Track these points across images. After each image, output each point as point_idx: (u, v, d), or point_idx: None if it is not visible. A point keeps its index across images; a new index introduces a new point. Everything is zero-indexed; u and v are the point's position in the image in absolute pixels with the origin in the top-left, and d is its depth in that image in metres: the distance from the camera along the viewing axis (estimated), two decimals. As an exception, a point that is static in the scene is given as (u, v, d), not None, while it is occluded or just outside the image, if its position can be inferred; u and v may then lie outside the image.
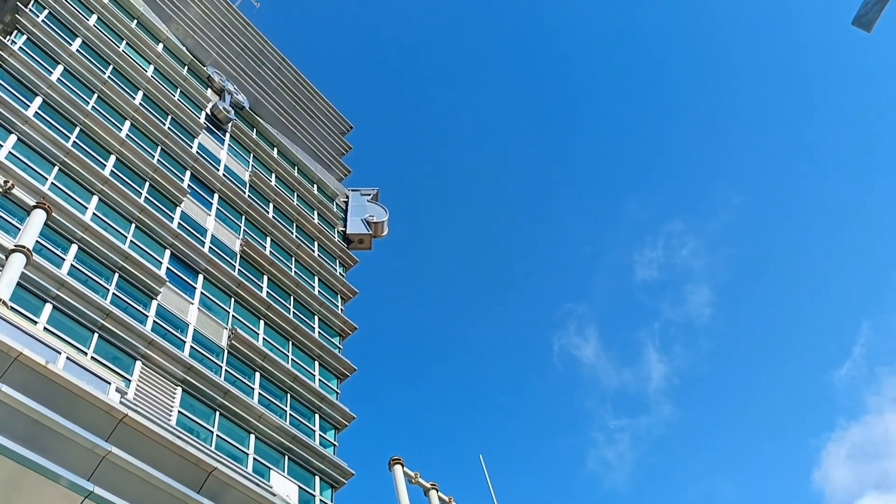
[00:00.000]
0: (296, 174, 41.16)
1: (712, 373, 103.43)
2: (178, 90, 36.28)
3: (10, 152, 24.50)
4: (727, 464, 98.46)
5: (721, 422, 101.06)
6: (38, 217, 18.85)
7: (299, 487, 26.14)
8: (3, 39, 27.54)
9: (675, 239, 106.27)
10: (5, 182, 19.51)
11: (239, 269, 31.39)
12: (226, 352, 27.66)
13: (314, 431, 29.08)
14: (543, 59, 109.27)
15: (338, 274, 38.08)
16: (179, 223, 29.87)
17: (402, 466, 24.66)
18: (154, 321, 25.37)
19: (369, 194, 44.92)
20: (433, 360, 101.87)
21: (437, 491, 25.48)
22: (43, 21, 29.86)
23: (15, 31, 28.54)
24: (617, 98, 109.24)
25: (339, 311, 36.02)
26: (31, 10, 29.72)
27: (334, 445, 29.70)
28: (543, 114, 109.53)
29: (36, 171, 25.08)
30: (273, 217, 36.23)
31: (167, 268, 27.67)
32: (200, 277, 29.15)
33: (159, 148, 31.95)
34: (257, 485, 16.42)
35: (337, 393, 32.02)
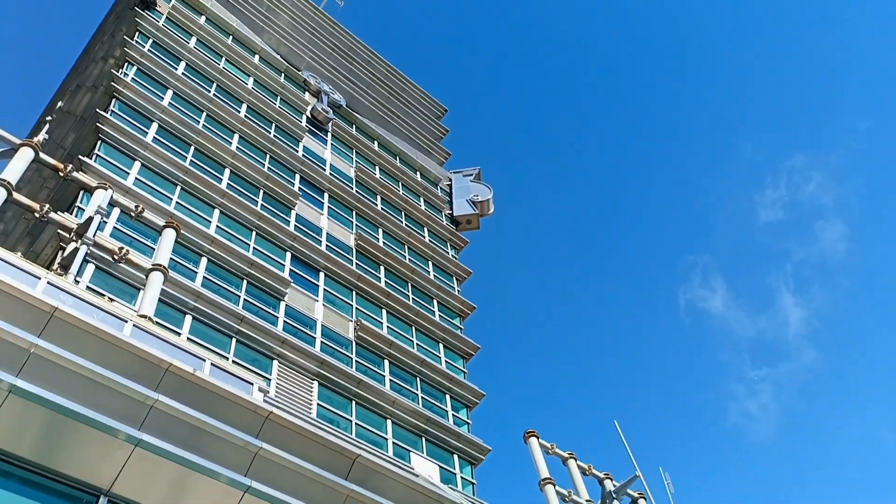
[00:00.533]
0: (398, 164, 41.84)
1: (855, 310, 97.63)
2: (278, 98, 37.58)
3: (136, 178, 26.20)
4: (887, 407, 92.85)
5: (874, 362, 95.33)
6: (169, 236, 20.11)
7: (439, 467, 26.84)
8: (116, 73, 29.39)
9: (797, 175, 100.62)
10: (136, 207, 20.89)
11: (356, 263, 32.35)
12: (354, 343, 28.66)
13: (447, 412, 29.72)
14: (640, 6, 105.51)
15: (450, 256, 38.53)
16: (296, 225, 31.08)
17: (538, 438, 24.83)
18: (284, 321, 26.61)
19: (471, 174, 45.07)
20: (555, 330, 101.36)
21: (576, 459, 25.51)
22: (149, 50, 31.62)
23: (126, 64, 30.37)
24: (720, 37, 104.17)
25: (456, 293, 36.49)
26: (136, 41, 31.52)
27: (468, 423, 30.25)
28: (645, 61, 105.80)
29: (161, 192, 26.72)
30: (382, 209, 37.04)
31: (290, 269, 28.89)
32: (321, 275, 30.26)
33: (268, 156, 33.26)
34: (400, 468, 16.99)
35: (464, 372, 32.53)
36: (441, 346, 32.70)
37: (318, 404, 24.95)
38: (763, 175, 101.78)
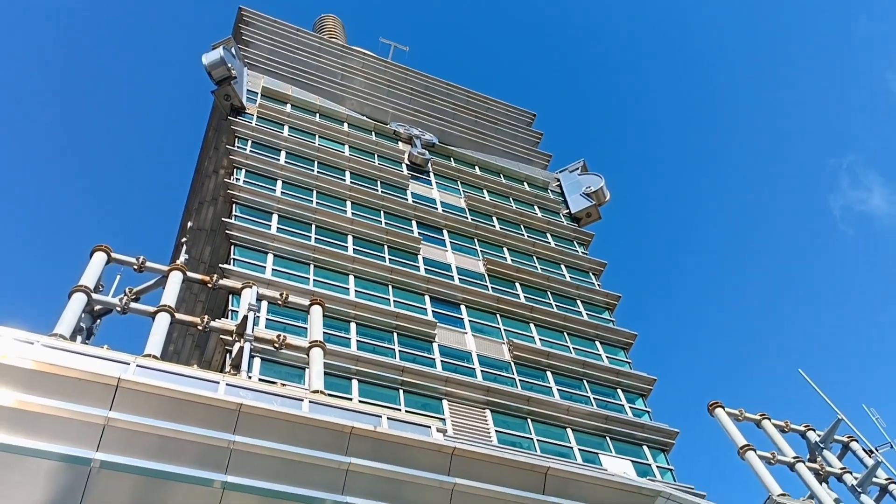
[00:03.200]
0: (503, 181, 42.19)
1: None
2: (375, 155, 39.01)
3: (273, 269, 27.95)
4: None
5: None
6: (317, 312, 21.32)
7: (632, 461, 26.48)
8: (229, 181, 31.62)
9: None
10: (281, 294, 22.33)
11: (491, 287, 32.78)
12: (512, 364, 28.97)
13: (623, 405, 29.34)
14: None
15: (580, 254, 38.27)
16: (425, 268, 31.99)
17: (724, 408, 24.08)
18: (442, 361, 27.36)
19: (577, 168, 44.72)
20: (705, 295, 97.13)
21: (770, 419, 24.49)
22: (251, 151, 33.82)
23: (234, 170, 32.62)
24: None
25: (597, 287, 36.14)
26: (238, 147, 33.81)
27: (647, 412, 29.71)
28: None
29: (297, 275, 28.33)
30: (501, 228, 37.42)
31: (432, 311, 29.72)
32: (462, 308, 30.91)
33: (381, 212, 34.52)
34: (592, 471, 17.03)
35: (628, 363, 32.04)
36: (597, 343, 32.42)
37: (496, 431, 25.36)
38: (890, 47, 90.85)
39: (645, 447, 27.67)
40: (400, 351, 26.89)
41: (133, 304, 19.29)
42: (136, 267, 20.44)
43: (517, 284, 33.85)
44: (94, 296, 18.68)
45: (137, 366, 14.80)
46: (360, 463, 12.45)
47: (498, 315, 31.40)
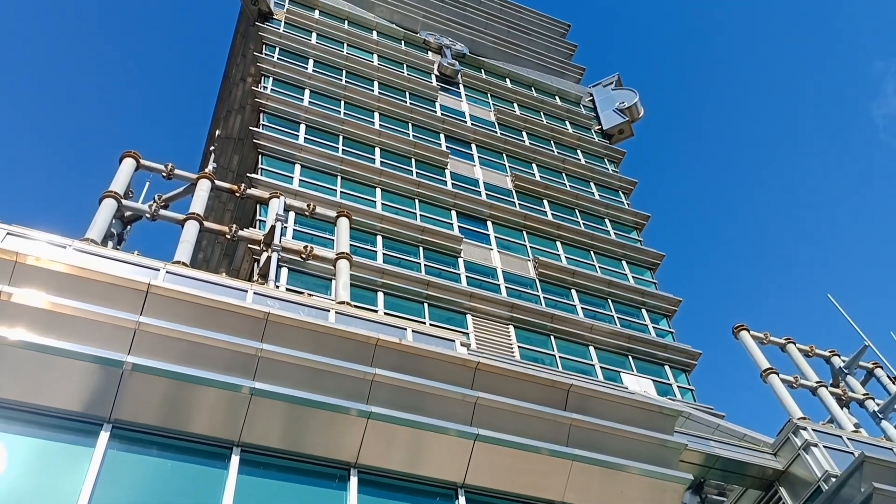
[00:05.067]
0: (535, 95, 41.22)
1: None
2: (405, 66, 38.17)
3: (300, 180, 27.87)
4: None
5: None
6: (344, 224, 21.33)
7: (653, 381, 26.74)
8: (256, 89, 31.22)
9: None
10: (308, 206, 22.31)
11: (518, 203, 32.52)
12: (537, 281, 29.01)
13: (646, 325, 29.42)
14: None
15: (611, 172, 37.67)
16: (453, 183, 31.72)
17: (748, 331, 24.02)
18: (467, 276, 27.45)
19: (611, 82, 43.49)
20: (738, 213, 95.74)
21: (794, 343, 24.43)
22: (278, 59, 33.22)
23: (262, 78, 32.14)
24: None
25: (626, 206, 35.72)
26: (265, 54, 33.21)
27: (671, 332, 29.80)
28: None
29: (325, 186, 28.25)
30: (530, 143, 36.81)
31: (458, 226, 29.63)
32: (489, 223, 30.77)
33: (410, 124, 34.03)
34: (614, 389, 17.20)
35: (654, 283, 31.95)
36: (624, 262, 32.27)
37: (519, 347, 25.64)
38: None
39: (667, 367, 27.88)
40: (425, 265, 26.99)
41: (162, 211, 19.41)
42: (164, 174, 20.46)
43: (545, 201, 33.52)
44: (124, 202, 18.79)
45: (167, 272, 14.98)
46: (384, 374, 12.63)
47: (524, 232, 31.25)
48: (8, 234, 13.66)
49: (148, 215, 19.25)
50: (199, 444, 11.41)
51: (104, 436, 10.78)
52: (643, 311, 30.10)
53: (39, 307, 11.02)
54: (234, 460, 11.33)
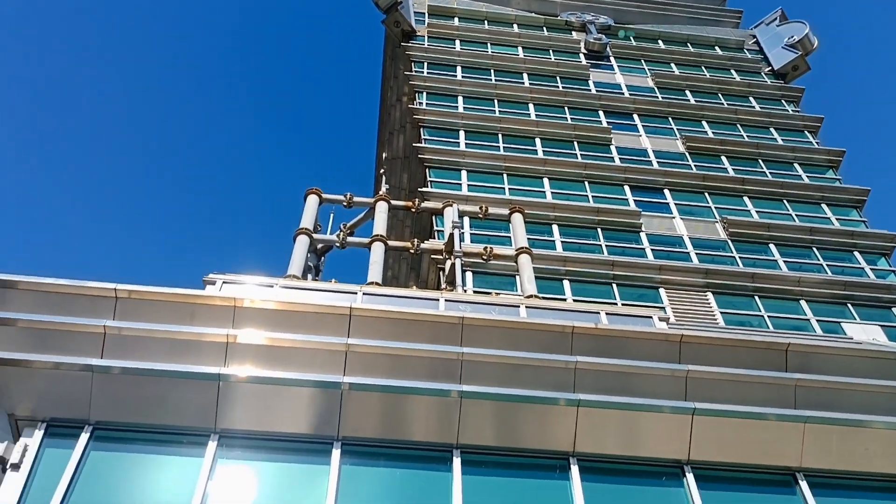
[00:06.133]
0: (692, 50, 39.19)
1: None
2: (551, 51, 37.78)
3: (468, 185, 28.39)
4: None
5: None
6: (518, 220, 21.45)
7: (881, 326, 24.39)
8: (412, 106, 32.25)
9: None
10: (480, 208, 22.69)
11: (694, 165, 31.04)
12: (729, 242, 27.49)
13: (862, 269, 26.92)
14: None
15: (790, 113, 34.95)
16: (620, 158, 30.91)
17: None
18: (652, 250, 26.58)
19: (774, 19, 40.36)
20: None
21: None
22: (428, 73, 34.12)
23: (415, 94, 33.16)
24: None
25: (816, 145, 32.96)
26: (415, 71, 34.25)
27: (893, 271, 27.05)
28: None
29: (493, 186, 28.57)
30: (696, 101, 35.03)
31: (633, 200, 28.79)
32: (666, 191, 29.63)
33: (566, 108, 33.61)
34: (835, 341, 15.88)
35: (863, 222, 29.18)
36: (823, 206, 29.75)
37: (721, 312, 24.38)
38: None
39: (894, 309, 25.31)
40: (606, 246, 26.46)
41: (349, 239, 20.59)
42: (345, 203, 21.69)
43: (723, 157, 31.74)
44: (315, 236, 20.14)
45: (363, 293, 15.85)
46: (586, 360, 12.51)
47: (706, 193, 29.76)
48: (224, 282, 15.11)
49: (338, 244, 20.49)
50: (421, 450, 11.90)
51: (336, 453, 11.55)
52: (855, 253, 27.57)
53: (260, 343, 12.05)
54: (456, 462, 11.70)
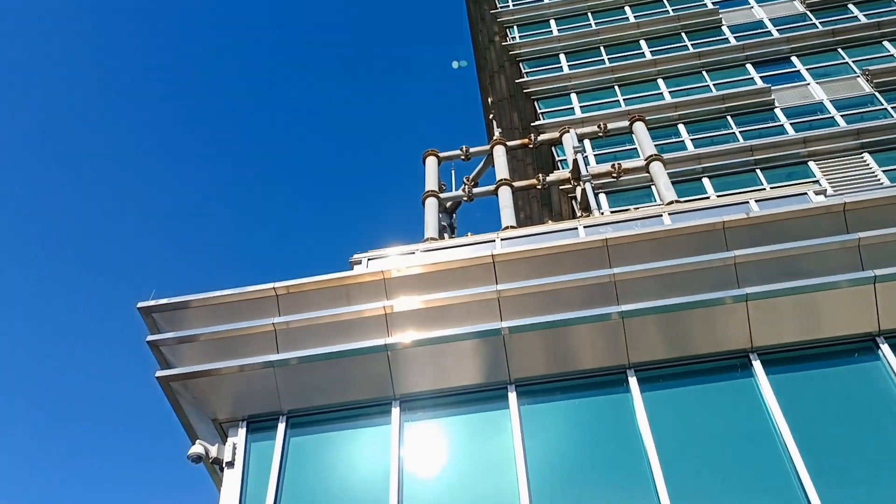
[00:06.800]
0: None
1: None
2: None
3: (580, 106, 27.58)
4: None
5: None
6: (641, 128, 20.65)
7: None
8: (505, 44, 31.60)
9: None
10: (599, 126, 22.01)
11: (819, 23, 28.60)
12: (876, 94, 25.21)
13: None
14: None
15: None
16: (734, 37, 28.96)
17: None
18: (791, 124, 24.85)
19: None
20: None
21: None
22: (513, 6, 33.26)
23: (506, 31, 32.45)
24: None
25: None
26: (501, 7, 33.48)
27: None
28: None
29: (606, 101, 27.63)
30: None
31: (759, 77, 26.95)
32: (793, 59, 27.54)
33: (664, 0, 31.79)
34: None
35: None
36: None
37: (883, 171, 22.49)
38: None
39: None
40: (741, 132, 24.99)
41: (475, 190, 20.63)
42: (462, 157, 21.72)
43: (850, 5, 29.19)
44: (442, 195, 20.34)
45: (501, 239, 15.89)
46: (744, 253, 11.94)
47: (838, 49, 27.49)
48: (369, 259, 15.64)
49: (465, 198, 20.60)
50: (594, 377, 11.90)
51: (512, 396, 11.77)
52: None
53: (416, 308, 12.40)
54: (633, 382, 11.60)
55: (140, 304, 12.65)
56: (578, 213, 21.30)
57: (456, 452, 11.66)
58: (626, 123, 22.03)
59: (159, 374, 12.22)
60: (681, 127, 25.64)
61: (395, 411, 11.91)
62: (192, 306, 12.93)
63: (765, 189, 22.44)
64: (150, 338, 12.50)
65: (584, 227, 16.23)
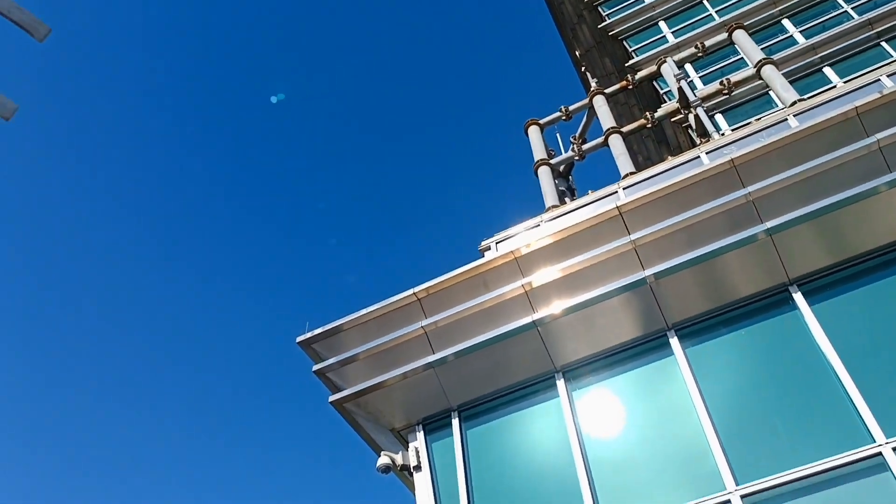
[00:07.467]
0: None
1: None
2: None
3: (671, 32, 26.33)
4: None
5: None
6: (741, 36, 19.53)
7: None
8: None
9: None
10: (696, 47, 20.97)
11: None
12: None
13: None
14: None
15: None
16: None
17: None
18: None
19: None
20: None
21: None
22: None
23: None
24: None
25: None
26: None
27: None
28: None
29: (698, 20, 26.19)
30: None
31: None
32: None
33: None
34: None
35: None
36: None
37: None
38: None
39: None
40: (853, 8, 22.97)
41: (584, 147, 20.26)
42: (563, 117, 21.38)
43: None
44: (552, 161, 20.11)
45: (623, 189, 15.52)
46: (888, 134, 11.03)
47: None
48: (496, 242, 15.71)
49: (577, 157, 20.27)
50: (755, 302, 11.40)
51: (674, 341, 11.48)
52: None
53: (555, 278, 12.33)
54: (798, 297, 11.02)
55: (299, 339, 13.32)
56: (697, 141, 20.41)
57: (631, 409, 11.51)
58: (724, 36, 20.88)
59: (332, 398, 12.84)
60: (785, 21, 23.90)
61: (560, 383, 11.92)
62: (345, 329, 13.48)
63: (895, 62, 20.57)
64: (316, 367, 13.15)
65: (707, 152, 15.55)
